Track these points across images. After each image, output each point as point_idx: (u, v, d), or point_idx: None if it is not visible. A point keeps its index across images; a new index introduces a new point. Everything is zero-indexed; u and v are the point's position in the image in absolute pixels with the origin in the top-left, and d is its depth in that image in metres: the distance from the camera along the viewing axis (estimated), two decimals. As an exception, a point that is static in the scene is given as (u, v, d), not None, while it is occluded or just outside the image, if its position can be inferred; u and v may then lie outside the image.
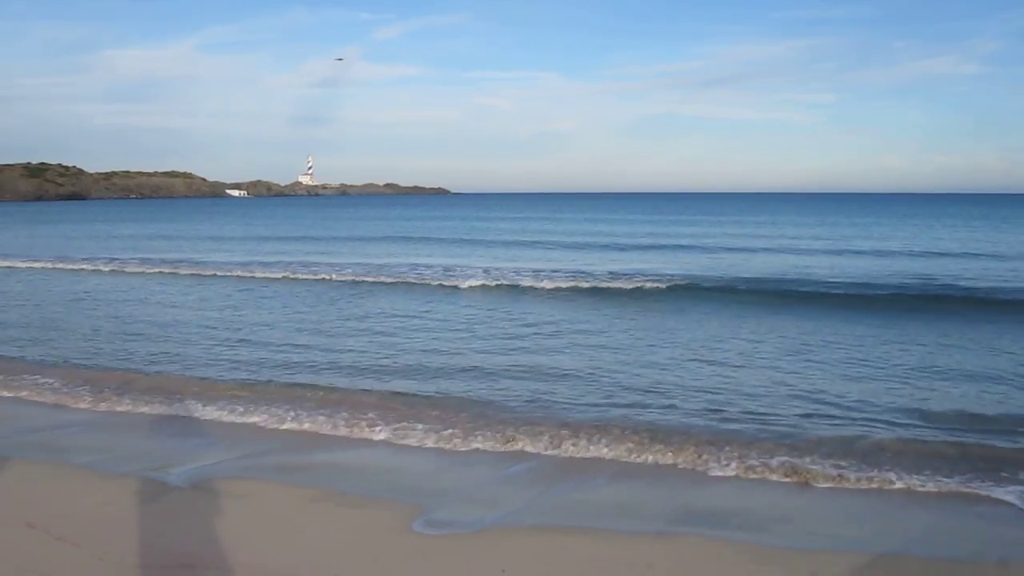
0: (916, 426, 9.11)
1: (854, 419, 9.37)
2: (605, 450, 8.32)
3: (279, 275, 24.88)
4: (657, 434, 8.79)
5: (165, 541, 5.98)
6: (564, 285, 21.25)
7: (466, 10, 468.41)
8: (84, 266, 28.56)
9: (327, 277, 24.18)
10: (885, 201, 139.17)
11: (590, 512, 6.75)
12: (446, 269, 25.73)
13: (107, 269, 27.71)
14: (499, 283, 22.05)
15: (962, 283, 20.67)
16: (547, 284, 21.49)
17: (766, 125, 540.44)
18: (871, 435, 8.76)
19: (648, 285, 20.67)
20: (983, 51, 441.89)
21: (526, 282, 21.97)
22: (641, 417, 9.47)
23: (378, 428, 9.13)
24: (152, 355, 13.31)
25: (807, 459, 7.97)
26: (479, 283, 22.03)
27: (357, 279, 23.67)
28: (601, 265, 26.95)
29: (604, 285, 21.21)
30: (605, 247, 36.70)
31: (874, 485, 7.36)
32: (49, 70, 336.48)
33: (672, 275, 22.58)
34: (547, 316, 17.15)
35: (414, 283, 22.74)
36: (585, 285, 21.29)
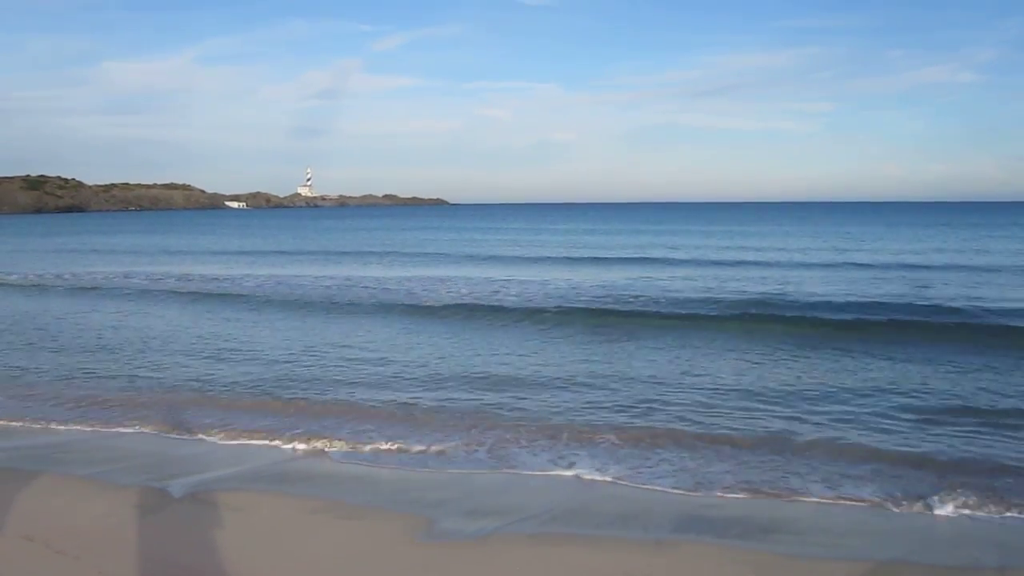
0: (902, 433, 9.15)
1: (845, 431, 9.41)
2: (602, 459, 8.34)
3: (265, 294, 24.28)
4: (655, 442, 8.84)
5: (165, 554, 5.97)
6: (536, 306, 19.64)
7: (465, 21, 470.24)
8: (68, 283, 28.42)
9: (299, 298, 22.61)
10: (883, 210, 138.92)
11: (590, 521, 6.76)
12: (421, 285, 24.98)
13: (98, 286, 27.56)
14: (471, 303, 20.73)
15: (913, 301, 19.90)
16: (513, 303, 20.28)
17: (764, 134, 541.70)
18: (866, 444, 8.82)
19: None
20: (980, 59, 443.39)
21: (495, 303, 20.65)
22: (634, 429, 9.49)
23: (376, 440, 9.15)
24: (149, 370, 13.32)
25: (795, 467, 8.02)
26: (448, 303, 20.74)
27: (332, 301, 21.85)
28: (568, 280, 26.49)
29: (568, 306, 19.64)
30: (588, 261, 35.54)
31: (869, 494, 7.38)
32: (48, 82, 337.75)
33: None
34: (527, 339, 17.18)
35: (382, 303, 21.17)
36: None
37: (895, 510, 7.05)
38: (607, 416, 9.95)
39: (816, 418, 9.78)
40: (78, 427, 9.85)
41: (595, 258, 37.26)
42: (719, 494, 7.41)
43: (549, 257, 38.59)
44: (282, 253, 43.21)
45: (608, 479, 7.82)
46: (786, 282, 25.05)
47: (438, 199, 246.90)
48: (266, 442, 9.15)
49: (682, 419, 9.77)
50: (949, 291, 22.30)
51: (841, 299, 20.44)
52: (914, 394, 10.90)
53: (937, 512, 6.98)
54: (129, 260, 38.10)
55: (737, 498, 7.32)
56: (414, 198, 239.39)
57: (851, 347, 14.31)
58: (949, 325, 16.57)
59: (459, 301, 21.18)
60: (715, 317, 18.07)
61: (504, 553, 6.07)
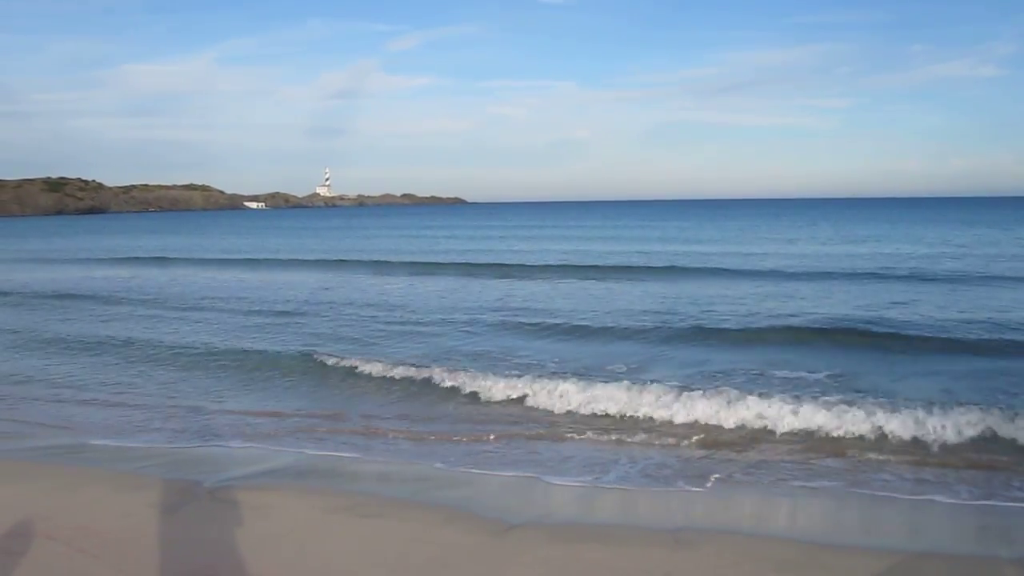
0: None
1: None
2: (619, 452, 8.30)
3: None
4: (668, 435, 8.79)
5: (186, 553, 5.96)
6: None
7: (481, 20, 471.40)
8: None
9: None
10: (900, 206, 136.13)
11: (609, 517, 6.75)
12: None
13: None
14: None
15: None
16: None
17: (781, 131, 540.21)
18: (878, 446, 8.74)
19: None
20: (1000, 53, 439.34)
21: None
22: (653, 421, 9.46)
23: (397, 438, 9.15)
24: (165, 372, 13.38)
25: (820, 460, 7.94)
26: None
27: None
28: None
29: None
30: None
31: (889, 489, 7.30)
32: (68, 85, 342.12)
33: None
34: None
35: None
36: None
37: (912, 502, 6.98)
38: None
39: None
40: (100, 427, 9.90)
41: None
42: (738, 485, 7.36)
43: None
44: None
45: (624, 473, 7.78)
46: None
47: (456, 198, 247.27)
48: (288, 441, 9.16)
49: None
50: None
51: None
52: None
53: (952, 503, 6.90)
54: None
55: (756, 492, 7.26)
56: (432, 197, 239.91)
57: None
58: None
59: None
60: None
61: (526, 551, 6.00)
